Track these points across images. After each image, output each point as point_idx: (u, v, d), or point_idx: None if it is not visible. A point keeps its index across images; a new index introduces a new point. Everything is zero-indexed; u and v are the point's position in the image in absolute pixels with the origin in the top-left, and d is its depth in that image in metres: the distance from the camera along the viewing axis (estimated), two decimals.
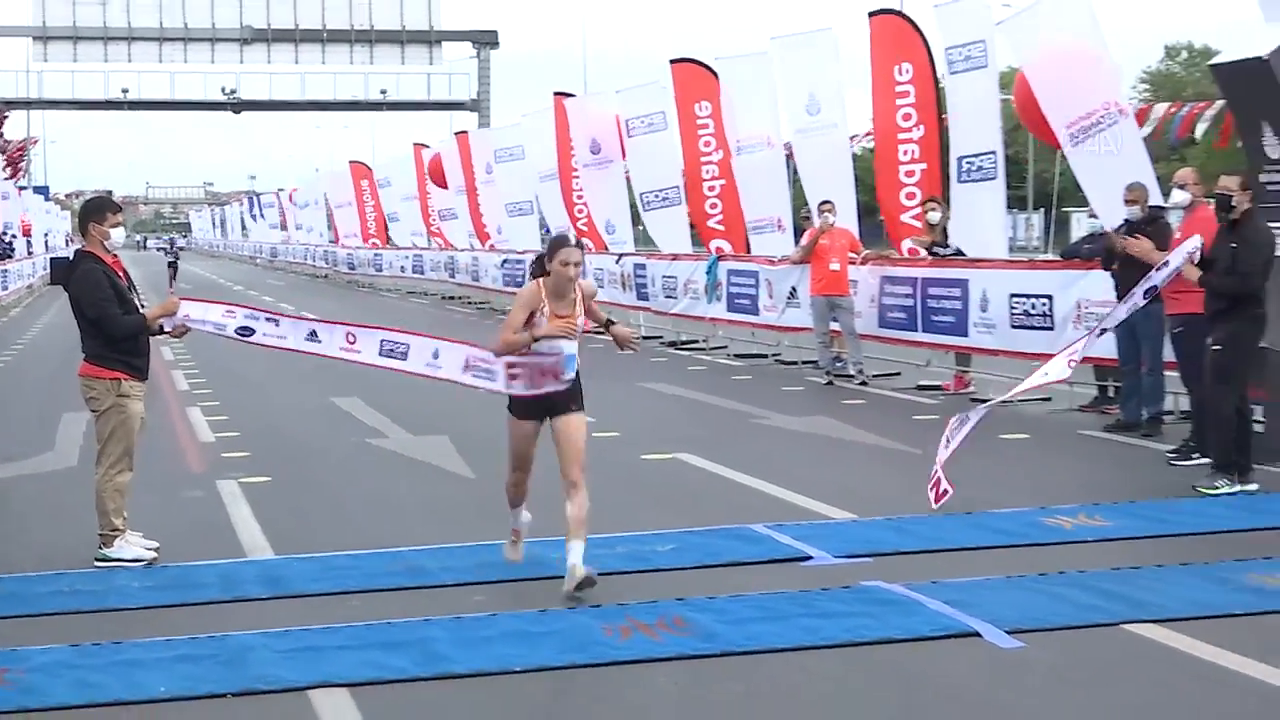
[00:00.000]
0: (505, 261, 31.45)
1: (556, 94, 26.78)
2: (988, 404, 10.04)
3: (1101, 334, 10.14)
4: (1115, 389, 13.25)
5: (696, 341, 21.87)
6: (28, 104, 71.19)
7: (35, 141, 70.62)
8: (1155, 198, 12.43)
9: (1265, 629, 6.47)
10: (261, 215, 79.12)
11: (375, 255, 46.39)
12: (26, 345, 24.61)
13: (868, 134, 24.85)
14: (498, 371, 7.67)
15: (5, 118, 57.56)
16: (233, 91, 70.60)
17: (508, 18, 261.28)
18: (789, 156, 20.18)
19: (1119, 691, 5.72)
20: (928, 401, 14.91)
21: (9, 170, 52.04)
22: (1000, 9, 17.47)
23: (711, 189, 21.45)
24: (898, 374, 16.81)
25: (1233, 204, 9.68)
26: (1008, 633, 6.37)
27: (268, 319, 8.28)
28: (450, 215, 36.61)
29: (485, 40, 71.70)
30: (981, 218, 16.14)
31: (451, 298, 36.99)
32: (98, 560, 7.95)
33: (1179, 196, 11.19)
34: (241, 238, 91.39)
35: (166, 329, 8.21)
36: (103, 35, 66.43)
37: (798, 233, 19.47)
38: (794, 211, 20.44)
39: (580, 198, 26.14)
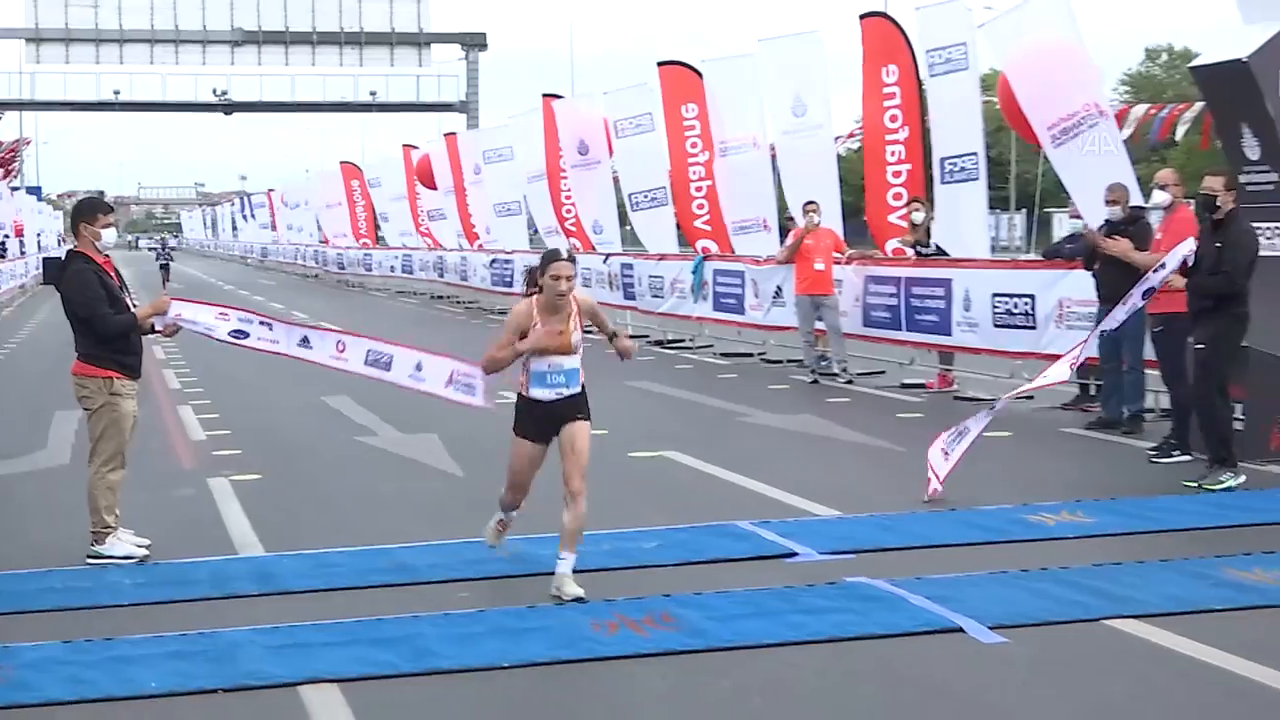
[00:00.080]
0: (494, 261, 31.54)
1: (545, 95, 26.89)
2: (995, 407, 10.09)
3: (1102, 336, 10.20)
4: (1097, 387, 13.35)
5: (683, 340, 21.95)
6: (20, 105, 71.05)
7: (28, 142, 70.57)
8: (1136, 198, 12.53)
9: (1243, 624, 6.52)
10: (252, 215, 79.17)
11: (365, 255, 46.47)
12: (19, 344, 24.61)
13: (850, 135, 24.98)
14: (477, 386, 7.72)
15: None
16: (224, 93, 70.58)
17: (496, 19, 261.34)
18: (773, 157, 20.26)
19: (1100, 686, 5.76)
20: (911, 400, 14.99)
21: (1, 171, 51.92)
22: (982, 12, 17.61)
23: (699, 190, 21.52)
24: (882, 372, 16.89)
25: (1218, 204, 9.74)
26: (990, 628, 6.41)
27: (262, 323, 8.30)
28: (439, 216, 36.67)
29: (474, 42, 71.85)
30: (964, 218, 16.25)
31: (440, 297, 37.05)
32: (89, 557, 7.98)
33: (1159, 197, 11.28)
34: (232, 238, 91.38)
35: (158, 328, 8.25)
36: (95, 37, 66.39)
37: (783, 233, 19.56)
38: (779, 212, 20.53)
39: (568, 198, 26.25)
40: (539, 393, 7.13)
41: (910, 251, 16.39)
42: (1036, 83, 14.27)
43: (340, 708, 5.64)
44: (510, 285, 30.18)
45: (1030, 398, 14.28)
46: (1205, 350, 9.73)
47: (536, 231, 30.31)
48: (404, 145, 40.00)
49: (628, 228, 25.84)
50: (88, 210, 8.29)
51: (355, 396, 14.74)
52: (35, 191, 71.99)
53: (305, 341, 8.30)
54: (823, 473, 10.66)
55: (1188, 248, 9.77)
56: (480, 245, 32.96)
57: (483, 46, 72.00)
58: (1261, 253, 10.01)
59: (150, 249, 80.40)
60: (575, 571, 7.10)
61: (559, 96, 27.26)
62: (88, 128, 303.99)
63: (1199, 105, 16.58)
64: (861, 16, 18.19)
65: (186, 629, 6.59)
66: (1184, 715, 5.49)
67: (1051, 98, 14.09)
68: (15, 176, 57.76)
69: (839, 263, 16.95)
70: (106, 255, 8.28)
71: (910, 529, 8.53)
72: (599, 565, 7.51)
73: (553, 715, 5.66)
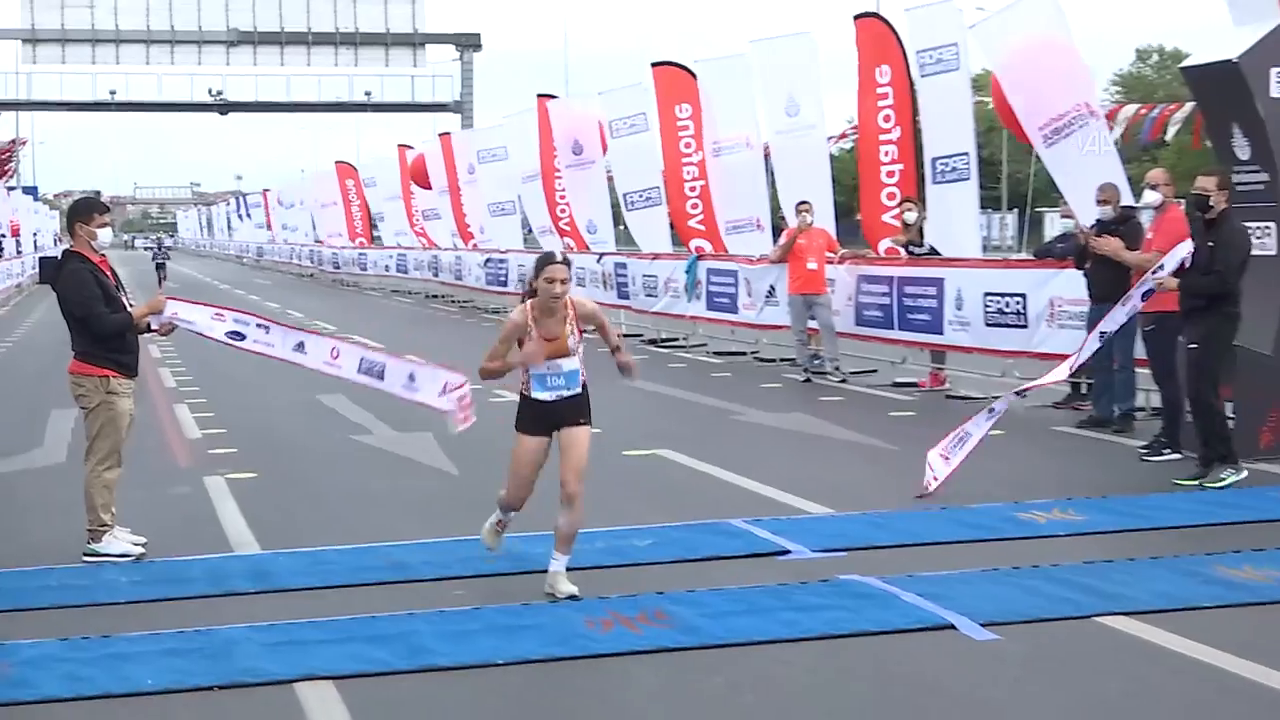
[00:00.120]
0: (488, 261, 31.61)
1: (540, 96, 26.96)
2: (994, 410, 10.15)
3: (1102, 337, 10.22)
4: (1088, 386, 13.40)
5: (676, 339, 22.00)
6: (16, 105, 71.36)
7: (24, 142, 70.57)
8: (1127, 198, 12.60)
9: (1234, 621, 6.55)
10: (248, 215, 79.30)
11: (360, 254, 46.56)
12: (15, 343, 24.65)
13: (843, 135, 25.06)
14: (464, 399, 7.76)
15: None
16: (219, 93, 70.74)
17: (490, 20, 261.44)
18: (767, 157, 20.33)
19: (1091, 682, 5.80)
20: (904, 398, 15.05)
21: None
22: (974, 13, 17.68)
23: (692, 190, 21.59)
24: (874, 371, 16.93)
25: (1210, 204, 9.78)
26: (982, 625, 6.45)
27: (258, 325, 8.28)
28: (434, 215, 36.74)
29: (468, 43, 72.06)
30: (955, 218, 16.31)
31: (435, 296, 37.09)
32: (86, 555, 8.00)
33: (1150, 197, 11.33)
34: (228, 238, 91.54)
35: (153, 326, 8.27)
36: (91, 38, 66.62)
37: (776, 232, 19.61)
38: (772, 212, 20.59)
39: (563, 198, 26.36)
40: (540, 394, 7.13)
41: (902, 251, 16.44)
42: (1027, 83, 14.33)
43: (335, 705, 5.66)
44: (505, 284, 30.23)
45: (1022, 396, 14.38)
46: (1198, 350, 9.76)
47: (531, 231, 30.39)
48: (399, 145, 40.11)
49: (621, 227, 25.90)
50: (83, 210, 8.32)
51: (350, 395, 14.74)
52: (31, 191, 72.10)
53: (300, 347, 8.29)
54: (815, 471, 10.70)
55: (1186, 250, 9.80)
56: (475, 245, 33.03)
57: (477, 47, 72.23)
58: (1251, 252, 10.05)
59: (146, 248, 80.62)
60: (569, 569, 7.13)
61: (553, 97, 27.32)
62: (84, 128, 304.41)
63: (1190, 105, 16.65)
64: (856, 17, 18.27)
65: (183, 626, 6.62)
66: (1177, 713, 5.52)
67: (1042, 98, 14.15)
68: (11, 176, 57.76)
69: (831, 262, 17.00)
70: (102, 255, 8.31)
71: (902, 527, 8.57)
72: (593, 563, 7.54)
73: (547, 712, 5.68)
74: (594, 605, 6.85)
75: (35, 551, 8.22)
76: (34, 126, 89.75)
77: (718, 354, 20.06)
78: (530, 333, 7.07)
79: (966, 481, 9.81)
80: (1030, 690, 5.75)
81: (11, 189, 54.01)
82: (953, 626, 6.46)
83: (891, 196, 17.35)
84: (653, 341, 22.16)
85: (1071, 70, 14.11)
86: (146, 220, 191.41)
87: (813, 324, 16.83)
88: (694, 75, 21.42)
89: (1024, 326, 14.22)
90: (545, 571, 7.15)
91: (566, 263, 7.14)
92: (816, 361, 16.77)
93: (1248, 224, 10.26)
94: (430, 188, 35.64)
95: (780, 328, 18.20)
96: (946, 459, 9.75)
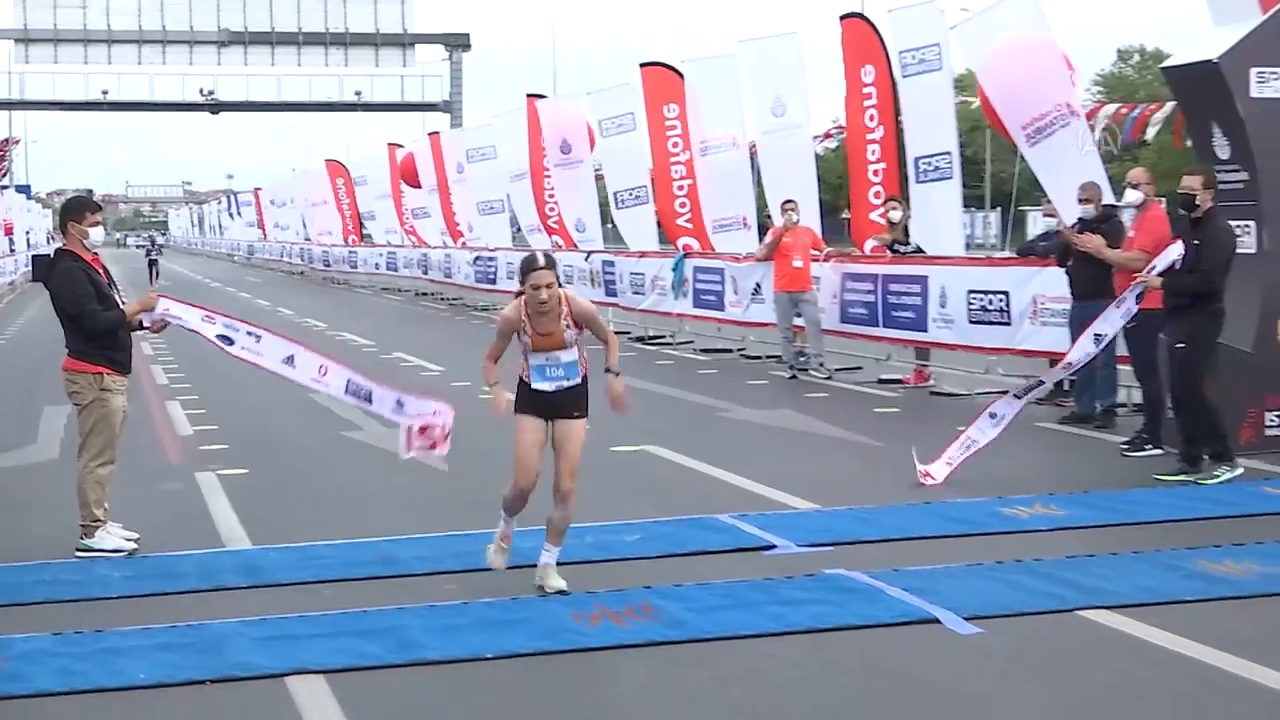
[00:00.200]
0: (477, 259, 31.69)
1: (529, 96, 27.10)
2: (996, 415, 10.26)
3: (1098, 340, 10.26)
4: (1070, 382, 13.49)
5: (664, 337, 22.06)
6: (9, 105, 71.52)
7: (17, 141, 70.46)
8: (1108, 197, 12.69)
9: (1214, 615, 6.61)
10: (239, 213, 79.42)
11: (350, 252, 46.59)
12: (8, 340, 24.62)
13: (827, 134, 25.20)
14: (447, 433, 7.78)
15: None
16: (210, 93, 70.86)
17: (479, 19, 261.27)
18: (752, 156, 20.43)
19: (1074, 676, 5.84)
20: (888, 395, 15.13)
21: None
22: (958, 14, 17.78)
23: (680, 188, 21.68)
24: (859, 368, 17.01)
25: (1196, 202, 9.84)
26: (966, 619, 6.50)
27: (249, 333, 8.24)
28: (423, 214, 36.82)
29: (457, 43, 72.20)
30: (938, 216, 16.43)
31: (424, 294, 37.14)
32: (79, 550, 8.03)
33: (1132, 195, 11.41)
34: (219, 236, 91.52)
35: (146, 324, 8.30)
36: (83, 38, 66.69)
37: (761, 231, 19.70)
38: (758, 210, 20.67)
39: (551, 196, 26.48)
40: (540, 385, 7.11)
41: (887, 251, 16.52)
42: (1009, 84, 14.44)
43: (326, 698, 5.70)
44: (494, 282, 30.31)
45: (1004, 392, 14.46)
46: (1186, 349, 9.80)
47: (519, 229, 30.48)
48: (389, 144, 40.16)
49: (609, 225, 25.98)
50: (75, 209, 8.35)
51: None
52: (24, 190, 71.91)
53: (290, 360, 8.24)
54: (801, 466, 10.76)
55: (1177, 251, 9.85)
56: (464, 243, 33.10)
57: (466, 47, 72.38)
58: (1236, 250, 10.13)
59: (139, 246, 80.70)
60: (558, 564, 7.17)
61: (542, 96, 27.44)
62: (76, 127, 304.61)
63: (1170, 105, 16.76)
64: (841, 17, 18.37)
65: (175, 621, 6.66)
66: (1160, 706, 5.56)
67: (1024, 98, 14.25)
68: (4, 175, 57.71)
69: (817, 260, 17.09)
70: (95, 253, 8.33)
71: (887, 521, 8.63)
72: (581, 558, 7.59)
73: (535, 705, 5.72)
74: (582, 600, 6.89)
75: (28, 547, 8.25)
76: (26, 126, 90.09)
77: (704, 351, 20.12)
78: (525, 328, 7.06)
79: (950, 477, 9.91)
80: (1014, 684, 5.79)
81: (4, 188, 53.95)
82: (937, 621, 6.51)
83: (878, 195, 17.46)
84: (640, 339, 22.20)
85: (1052, 70, 14.21)
86: (138, 219, 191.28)
87: (798, 321, 16.91)
88: (681, 75, 21.49)
89: (1007, 324, 14.31)
90: (534, 566, 7.20)
91: (550, 264, 7.07)
92: (802, 359, 16.85)
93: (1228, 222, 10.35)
94: (420, 186, 35.72)
95: (766, 325, 18.28)
96: (950, 464, 9.93)
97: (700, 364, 18.83)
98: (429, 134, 36.47)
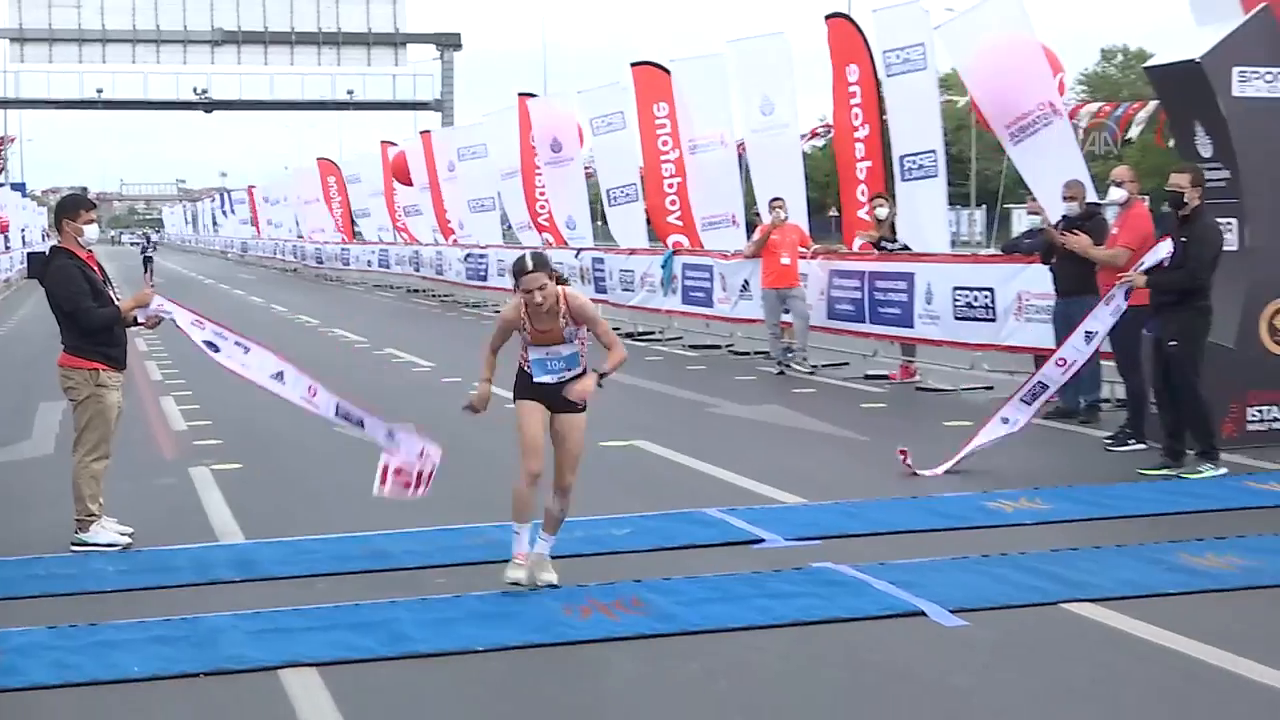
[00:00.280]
0: (468, 256, 31.77)
1: (520, 95, 27.19)
2: (1006, 420, 10.34)
3: (1089, 338, 10.30)
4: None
5: (653, 333, 22.11)
6: (5, 104, 71.50)
7: (12, 140, 70.79)
8: (1091, 195, 12.78)
9: (1197, 608, 6.66)
10: (232, 211, 79.39)
11: (343, 250, 46.58)
12: (3, 337, 24.62)
13: (814, 133, 25.29)
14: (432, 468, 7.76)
15: None
16: (204, 91, 70.89)
17: (470, 20, 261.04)
18: (740, 154, 20.50)
19: (1058, 668, 5.89)
20: (875, 390, 15.20)
21: None
22: (943, 13, 17.88)
23: (670, 186, 21.75)
24: (846, 364, 17.09)
25: (1184, 200, 9.89)
26: (952, 612, 6.54)
27: (237, 343, 8.21)
28: (415, 211, 36.86)
29: (448, 42, 72.31)
30: (924, 214, 16.51)
31: (416, 291, 37.17)
32: (74, 545, 8.08)
33: (1116, 194, 11.50)
34: (213, 233, 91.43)
35: (140, 320, 8.35)
36: (78, 37, 66.77)
37: (750, 228, 19.77)
38: (746, 208, 20.75)
39: (542, 194, 26.56)
40: (541, 378, 7.11)
41: (873, 247, 16.60)
42: (992, 83, 14.54)
43: (319, 691, 5.73)
44: (484, 279, 30.39)
45: (990, 387, 14.60)
46: (1178, 346, 9.84)
47: (510, 227, 30.55)
48: (382, 142, 40.22)
49: (599, 223, 26.07)
50: (70, 207, 8.39)
51: (333, 388, 14.78)
52: (20, 188, 71.92)
53: (279, 376, 8.22)
54: (789, 461, 10.81)
55: (1166, 249, 9.91)
56: (455, 240, 33.19)
57: (457, 46, 72.54)
58: (1223, 248, 10.20)
59: (133, 244, 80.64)
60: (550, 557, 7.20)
61: (533, 95, 27.54)
62: (71, 126, 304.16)
63: (1153, 104, 16.86)
64: (826, 17, 18.46)
65: (169, 615, 6.69)
66: (1144, 698, 5.59)
67: (1007, 97, 14.35)
68: (0, 173, 57.71)
69: (804, 257, 17.18)
70: (89, 250, 8.37)
71: (874, 516, 8.68)
72: (572, 551, 7.62)
73: (526, 697, 5.75)
74: (572, 593, 6.93)
75: (24, 541, 8.30)
76: (21, 124, 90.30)
77: (693, 347, 20.18)
78: (524, 325, 7.09)
79: (937, 471, 10.01)
80: (999, 676, 5.84)
81: (0, 185, 53.93)
82: (923, 614, 6.55)
83: (863, 193, 17.55)
84: (630, 335, 22.23)
85: (1035, 70, 14.31)
86: (133, 216, 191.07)
87: (786, 318, 16.98)
88: (671, 75, 21.57)
89: (992, 320, 14.41)
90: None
91: (540, 265, 7.03)
92: (790, 355, 16.93)
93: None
94: (411, 184, 35.78)
95: (754, 321, 18.35)
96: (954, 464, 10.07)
97: (689, 360, 18.89)
98: (420, 132, 36.53)
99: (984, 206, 58.69)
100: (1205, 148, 10.92)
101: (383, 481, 7.69)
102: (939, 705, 5.55)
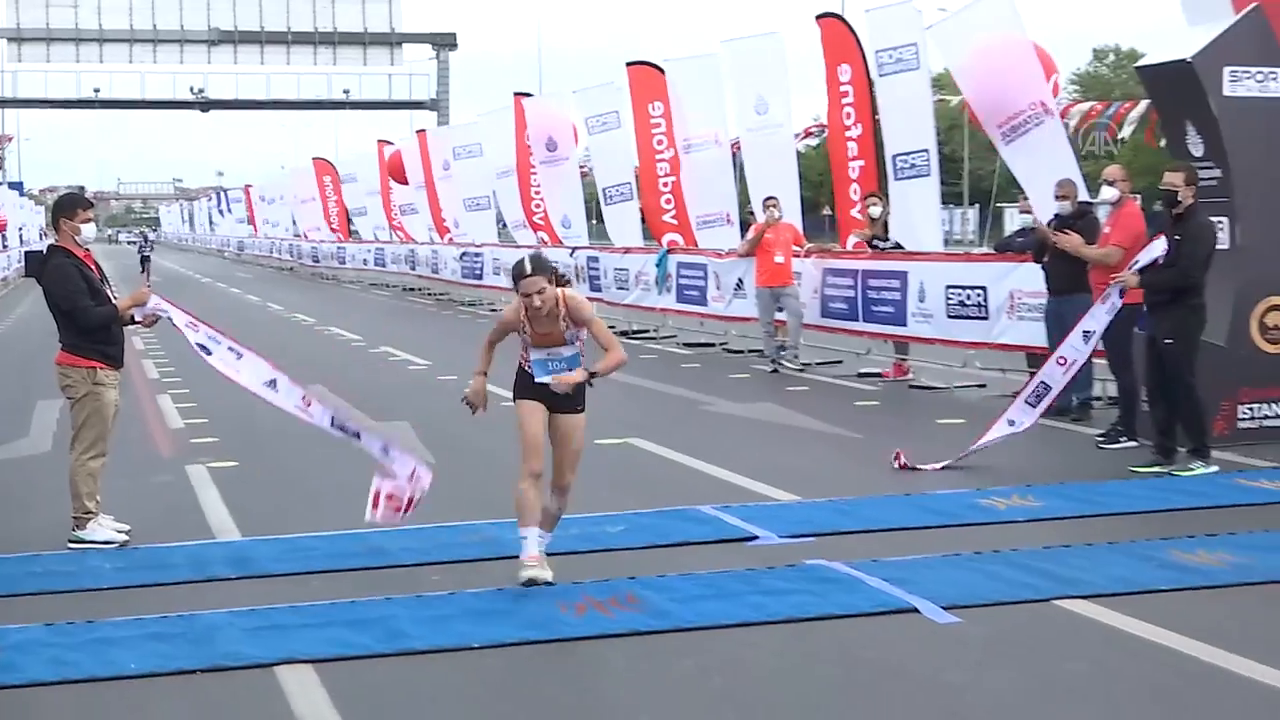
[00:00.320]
0: (463, 255, 31.82)
1: (516, 94, 27.26)
2: (1013, 422, 10.39)
3: (1087, 337, 10.32)
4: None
5: (647, 331, 22.14)
6: (2, 103, 71.88)
7: (10, 139, 70.84)
8: (1084, 194, 12.83)
9: (1188, 604, 6.68)
10: (229, 210, 79.39)
11: (339, 248, 46.59)
12: (1, 335, 24.58)
13: (807, 132, 25.37)
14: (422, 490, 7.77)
15: None
16: (201, 91, 71.06)
17: (466, 20, 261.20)
18: (735, 154, 20.56)
19: (1051, 665, 5.90)
20: (868, 388, 15.24)
21: None
22: (935, 13, 17.94)
23: (665, 185, 21.82)
24: (839, 362, 17.13)
25: (1179, 199, 9.92)
26: (944, 609, 6.56)
27: (230, 348, 8.19)
28: (411, 210, 36.90)
29: (444, 42, 72.48)
30: (916, 213, 16.56)
31: (412, 289, 37.21)
32: (71, 542, 8.10)
33: (1108, 193, 11.53)
34: (209, 232, 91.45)
35: (138, 318, 8.37)
36: (75, 37, 66.98)
37: (744, 227, 19.82)
38: (740, 207, 20.80)
39: (537, 193, 26.64)
40: (542, 378, 7.11)
41: (866, 246, 16.65)
42: (985, 83, 14.59)
43: (315, 688, 5.75)
44: (480, 277, 30.44)
45: (983, 385, 14.66)
46: (1174, 345, 9.87)
47: (505, 226, 30.60)
48: (378, 141, 40.24)
49: (594, 221, 26.13)
50: (68, 206, 8.41)
51: (329, 386, 14.82)
52: (17, 187, 71.89)
53: (272, 384, 8.21)
54: (783, 459, 10.83)
55: (1160, 248, 9.94)
56: (450, 239, 33.24)
57: (453, 46, 72.73)
58: (1216, 246, 10.24)
59: (131, 243, 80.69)
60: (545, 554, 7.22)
61: (529, 95, 27.60)
62: (68, 125, 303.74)
63: (1145, 103, 16.93)
64: (818, 17, 18.50)
65: (165, 612, 6.70)
66: (1136, 695, 5.61)
67: (1000, 97, 14.41)
68: None
69: (798, 256, 17.23)
70: (87, 249, 8.40)
71: (867, 513, 8.70)
72: (567, 549, 7.64)
73: (522, 694, 5.77)
74: (568, 590, 6.94)
75: (21, 538, 8.31)
76: (19, 124, 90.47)
77: (687, 345, 20.21)
78: (524, 327, 7.10)
79: (930, 468, 10.04)
80: (991, 672, 5.86)
81: None
82: (916, 610, 6.56)
83: (856, 192, 17.60)
84: (624, 333, 22.27)
85: (1027, 70, 14.36)
86: (130, 215, 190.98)
87: (780, 316, 17.03)
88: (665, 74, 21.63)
89: (985, 318, 14.46)
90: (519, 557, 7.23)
91: (539, 268, 7.01)
92: (783, 353, 16.97)
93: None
94: (407, 183, 35.81)
95: (749, 320, 18.40)
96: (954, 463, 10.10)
97: (683, 358, 18.91)
98: (416, 132, 36.60)
99: (977, 206, 58.83)
100: (1196, 147, 10.96)
101: (374, 506, 7.71)
102: (932, 702, 5.56)
